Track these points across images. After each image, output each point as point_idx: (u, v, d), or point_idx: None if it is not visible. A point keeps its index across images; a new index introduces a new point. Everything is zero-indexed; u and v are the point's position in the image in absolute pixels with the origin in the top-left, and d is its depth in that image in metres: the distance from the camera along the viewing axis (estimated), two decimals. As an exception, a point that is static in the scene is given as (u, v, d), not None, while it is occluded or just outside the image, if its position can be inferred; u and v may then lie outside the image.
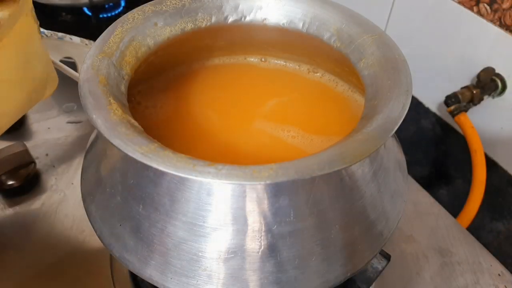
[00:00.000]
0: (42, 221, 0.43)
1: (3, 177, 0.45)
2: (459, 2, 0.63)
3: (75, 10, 0.71)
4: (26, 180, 0.46)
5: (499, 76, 0.61)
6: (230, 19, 0.33)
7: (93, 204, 0.29)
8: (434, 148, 0.75)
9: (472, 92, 0.62)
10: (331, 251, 0.26)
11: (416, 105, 0.75)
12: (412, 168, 0.77)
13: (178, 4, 0.32)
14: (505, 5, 0.58)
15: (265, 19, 0.34)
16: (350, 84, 0.36)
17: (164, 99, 0.35)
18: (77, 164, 0.49)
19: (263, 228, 0.24)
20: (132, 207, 0.26)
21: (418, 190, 0.50)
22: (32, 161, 0.47)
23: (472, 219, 0.60)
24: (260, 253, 0.24)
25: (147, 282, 0.26)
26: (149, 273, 0.26)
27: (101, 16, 0.70)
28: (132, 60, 0.29)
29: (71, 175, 0.48)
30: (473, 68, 0.63)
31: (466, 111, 0.63)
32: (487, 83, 0.61)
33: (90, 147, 0.31)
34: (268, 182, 0.20)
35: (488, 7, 0.60)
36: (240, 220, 0.24)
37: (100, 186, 0.28)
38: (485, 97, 0.63)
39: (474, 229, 0.57)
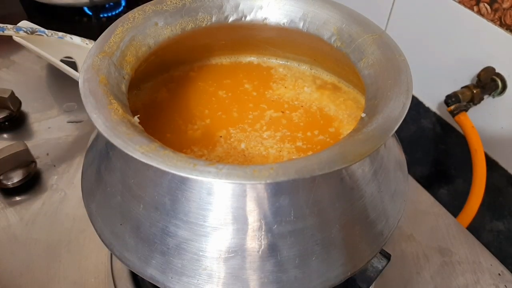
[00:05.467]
0: (43, 220, 0.44)
1: (4, 177, 0.45)
2: (459, 2, 0.63)
3: (76, 9, 0.71)
4: (27, 180, 0.46)
5: (499, 75, 0.61)
6: (231, 19, 0.33)
7: (94, 203, 0.29)
8: (434, 148, 0.75)
9: (473, 91, 0.62)
10: (332, 250, 0.26)
11: (416, 105, 0.75)
12: (412, 168, 0.77)
13: (179, 4, 0.32)
14: (505, 4, 0.57)
15: (266, 18, 0.34)
16: (351, 83, 0.36)
17: (165, 99, 0.35)
18: (78, 163, 0.49)
19: (264, 228, 0.24)
20: (132, 206, 0.26)
21: (418, 190, 0.50)
22: (32, 161, 0.47)
23: (472, 218, 0.60)
24: (260, 253, 0.24)
25: (148, 281, 0.26)
26: (149, 272, 0.26)
27: (101, 15, 0.71)
28: (133, 60, 0.29)
29: (72, 175, 0.48)
30: (473, 67, 0.63)
31: (466, 110, 0.63)
32: (487, 83, 0.61)
33: (91, 146, 0.31)
34: (268, 181, 0.20)
35: (488, 7, 0.60)
36: (240, 220, 0.24)
37: (101, 185, 0.28)
38: (485, 96, 0.63)
39: (475, 228, 0.57)
